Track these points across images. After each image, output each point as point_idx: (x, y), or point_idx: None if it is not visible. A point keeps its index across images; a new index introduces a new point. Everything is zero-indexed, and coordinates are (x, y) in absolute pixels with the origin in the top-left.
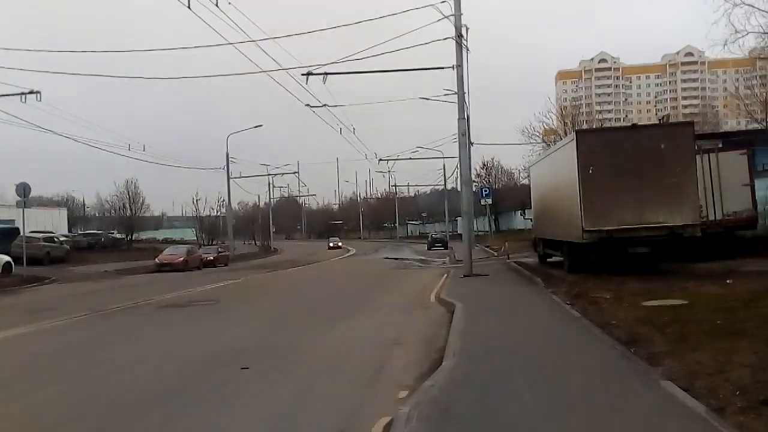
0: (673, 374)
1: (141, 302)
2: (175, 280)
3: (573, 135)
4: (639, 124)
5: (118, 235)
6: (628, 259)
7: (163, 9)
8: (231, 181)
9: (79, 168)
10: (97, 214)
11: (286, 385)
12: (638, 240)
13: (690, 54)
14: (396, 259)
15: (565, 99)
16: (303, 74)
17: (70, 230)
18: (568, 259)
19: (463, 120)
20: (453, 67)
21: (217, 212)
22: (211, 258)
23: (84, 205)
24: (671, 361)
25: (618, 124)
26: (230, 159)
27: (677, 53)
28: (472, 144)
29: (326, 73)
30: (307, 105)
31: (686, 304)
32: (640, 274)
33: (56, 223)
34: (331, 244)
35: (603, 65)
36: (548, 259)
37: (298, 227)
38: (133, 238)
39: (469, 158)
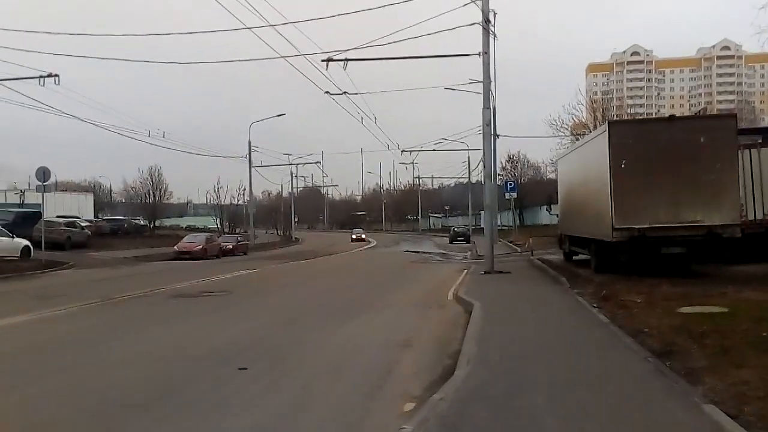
0: (717, 396)
1: (153, 291)
2: (191, 269)
3: (605, 126)
4: (677, 115)
5: (142, 222)
6: (661, 260)
7: None
8: (253, 170)
9: (107, 154)
10: (123, 201)
11: (282, 390)
12: (673, 240)
13: (726, 48)
14: (416, 252)
15: (596, 92)
16: (323, 60)
17: (96, 216)
18: (595, 258)
19: (488, 110)
20: (479, 54)
21: (238, 201)
22: (231, 247)
23: (111, 190)
24: (713, 379)
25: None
26: (252, 147)
27: (713, 47)
28: (497, 136)
29: (347, 59)
30: (327, 92)
31: (726, 312)
32: (674, 277)
33: (82, 209)
34: (354, 236)
35: (635, 58)
36: (574, 257)
37: (321, 217)
38: (156, 225)
39: (495, 151)
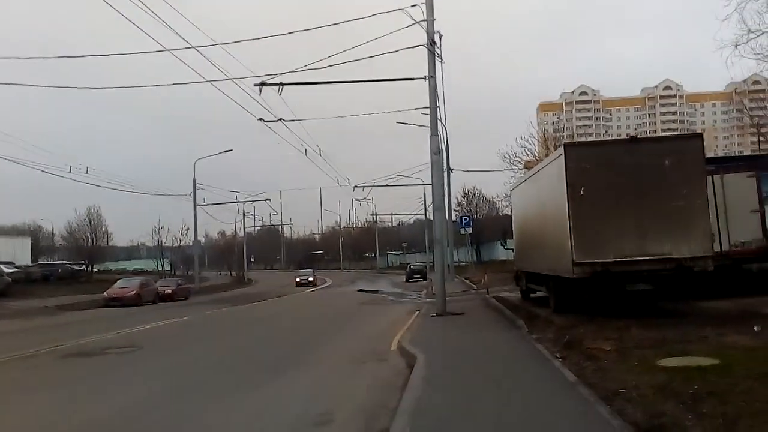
0: None
1: (48, 349)
2: (114, 318)
3: (560, 149)
4: (639, 136)
5: (78, 267)
6: (626, 297)
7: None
8: (200, 209)
9: (50, 197)
10: (66, 244)
11: None
12: (639, 275)
13: (668, 87)
14: (370, 291)
15: (547, 129)
16: (256, 84)
17: (36, 260)
18: (554, 297)
19: (436, 137)
20: (425, 78)
21: (180, 242)
22: (170, 291)
23: (53, 234)
24: None
25: (613, 137)
26: (198, 185)
27: (656, 86)
28: (451, 170)
29: (282, 84)
30: (261, 119)
31: (717, 364)
32: (643, 317)
33: (18, 253)
34: (299, 279)
35: (584, 98)
36: (532, 295)
37: (278, 257)
38: (97, 269)
39: (449, 185)
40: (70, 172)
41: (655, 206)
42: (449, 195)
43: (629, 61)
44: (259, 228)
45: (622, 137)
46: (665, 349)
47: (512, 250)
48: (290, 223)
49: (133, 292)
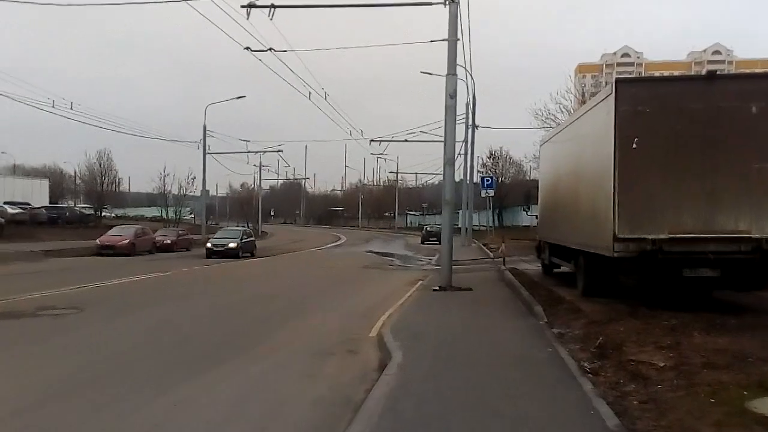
0: None
1: None
2: (95, 268)
3: (610, 87)
4: (718, 72)
5: (87, 211)
6: (682, 285)
7: None
8: (213, 160)
9: (69, 142)
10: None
11: None
12: (702, 258)
13: (717, 52)
14: (379, 253)
15: (585, 92)
16: (242, 6)
17: (56, 202)
18: (584, 278)
19: (454, 76)
20: (444, 3)
21: (186, 190)
22: (168, 241)
23: (76, 176)
24: None
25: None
26: (208, 133)
27: (704, 51)
28: (476, 127)
29: (273, 6)
30: (247, 48)
31: None
32: (701, 310)
33: (37, 195)
34: (209, 245)
35: (626, 60)
36: (555, 270)
37: (298, 212)
38: (114, 215)
39: (473, 142)
40: (53, 106)
41: (733, 168)
42: (473, 154)
43: (677, 23)
44: (282, 182)
45: (694, 74)
46: (751, 374)
47: (536, 216)
48: (308, 178)
49: (127, 241)
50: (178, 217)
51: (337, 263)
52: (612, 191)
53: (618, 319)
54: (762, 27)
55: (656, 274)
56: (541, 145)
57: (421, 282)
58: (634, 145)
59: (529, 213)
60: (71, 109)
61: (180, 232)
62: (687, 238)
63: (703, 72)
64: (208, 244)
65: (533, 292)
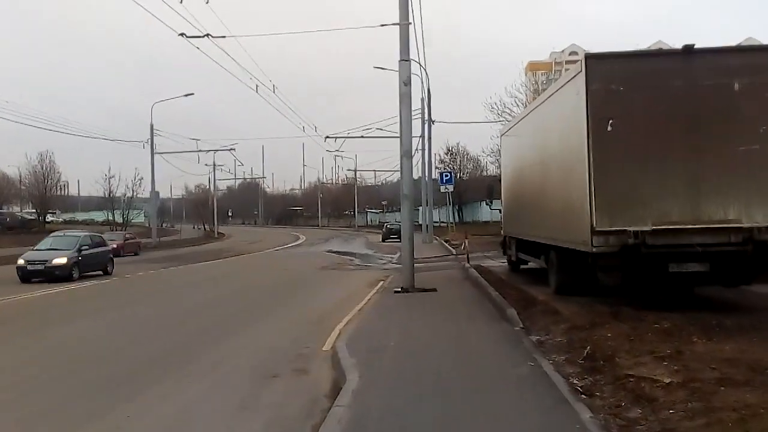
0: None
1: None
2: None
3: (579, 64)
4: (696, 46)
5: (29, 216)
6: (667, 280)
7: None
8: (161, 159)
9: (18, 144)
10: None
11: None
12: (689, 251)
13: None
14: (338, 252)
15: (536, 89)
16: None
17: (0, 207)
18: (557, 275)
19: (407, 62)
20: None
21: (133, 192)
22: (115, 246)
23: (21, 181)
24: None
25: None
26: (156, 131)
27: (648, 47)
28: (432, 122)
29: None
30: (182, 35)
31: None
32: (689, 308)
33: None
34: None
35: (574, 57)
36: (522, 267)
37: (256, 212)
38: (54, 219)
39: (430, 138)
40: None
41: (718, 151)
42: (430, 150)
43: (621, 21)
44: (239, 182)
45: (672, 48)
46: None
47: (499, 211)
48: (264, 177)
49: None
50: (125, 220)
51: (295, 264)
52: (587, 180)
53: (602, 322)
54: (704, 23)
55: (638, 270)
56: (501, 137)
57: (382, 283)
58: (609, 128)
59: (492, 207)
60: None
61: (127, 236)
62: (672, 229)
63: (680, 47)
64: (20, 261)
65: (503, 291)
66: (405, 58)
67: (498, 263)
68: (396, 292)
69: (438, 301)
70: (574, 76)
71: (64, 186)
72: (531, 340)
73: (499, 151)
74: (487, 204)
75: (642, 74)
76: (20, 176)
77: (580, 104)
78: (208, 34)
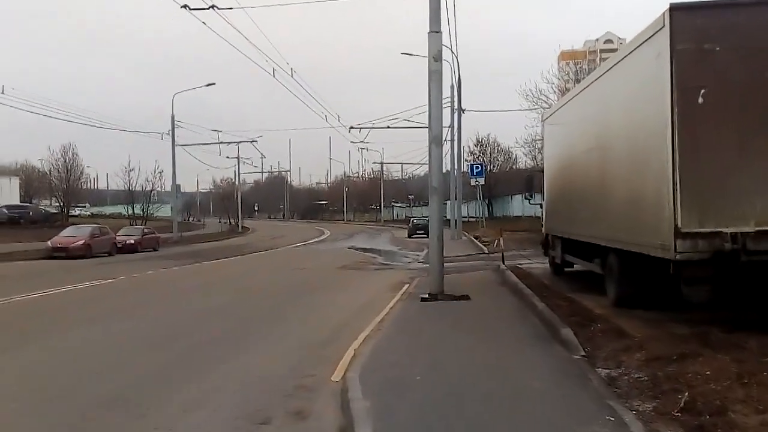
0: None
1: None
2: (32, 275)
3: (661, 17)
4: None
5: (53, 210)
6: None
7: None
8: (186, 153)
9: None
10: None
11: None
12: None
13: None
14: (362, 249)
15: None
16: None
17: (29, 201)
18: (619, 284)
19: (437, 34)
20: None
21: (153, 186)
22: (132, 241)
23: (51, 174)
24: None
25: None
26: (177, 123)
27: None
28: (463, 111)
29: None
30: (185, 7)
31: None
32: None
33: (6, 193)
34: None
35: (608, 46)
36: (567, 269)
37: (282, 206)
38: (81, 213)
39: (459, 128)
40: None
41: None
42: (459, 141)
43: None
44: (266, 176)
45: None
46: None
47: (540, 205)
48: (287, 170)
49: (81, 242)
50: (146, 214)
51: (311, 263)
52: (669, 167)
53: (692, 352)
54: None
55: (737, 284)
56: (543, 121)
57: (406, 286)
58: (701, 100)
59: (532, 202)
60: (2, 93)
61: (145, 230)
62: None
63: None
64: None
65: (549, 302)
66: (435, 29)
67: (536, 264)
68: (423, 299)
69: (472, 312)
70: (653, 34)
71: (94, 180)
72: (599, 375)
73: (535, 142)
74: (526, 198)
75: (743, 30)
76: (49, 170)
77: (662, 70)
78: (213, 6)
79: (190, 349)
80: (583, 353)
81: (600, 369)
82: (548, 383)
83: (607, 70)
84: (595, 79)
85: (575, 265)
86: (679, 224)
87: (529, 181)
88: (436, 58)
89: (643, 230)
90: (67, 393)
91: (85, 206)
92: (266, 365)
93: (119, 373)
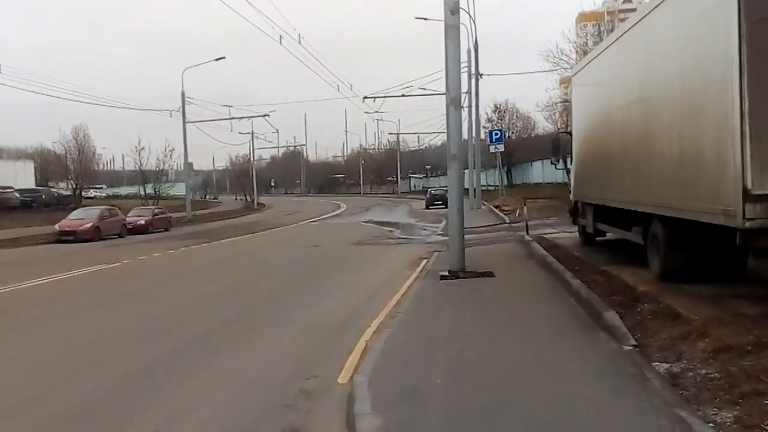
0: None
1: None
2: (34, 261)
3: None
4: None
5: (66, 192)
6: None
7: None
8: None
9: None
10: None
11: None
12: None
13: None
14: (379, 223)
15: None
16: None
17: (45, 184)
18: (667, 255)
19: None
20: None
21: (163, 164)
22: (143, 222)
23: (67, 157)
24: None
25: None
26: (187, 99)
27: None
28: (480, 76)
29: None
30: None
31: None
32: None
33: (21, 177)
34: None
35: (628, 5)
36: (598, 239)
37: (297, 181)
38: (96, 195)
39: (477, 94)
40: None
41: None
42: (477, 107)
43: None
44: (282, 152)
45: None
46: None
47: (567, 170)
48: (303, 144)
49: (89, 225)
50: (157, 193)
51: (330, 237)
52: (735, 116)
53: (751, 326)
54: None
55: None
56: (572, 77)
57: (425, 262)
58: None
59: (557, 166)
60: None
61: (156, 210)
62: None
63: None
64: None
65: (584, 277)
66: None
67: (563, 234)
68: (442, 277)
69: (499, 292)
70: None
71: (110, 161)
72: (659, 372)
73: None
74: (552, 163)
75: None
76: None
77: (726, 2)
78: None
79: (184, 342)
80: (633, 342)
81: (657, 364)
82: (601, 388)
83: (652, 10)
84: (636, 22)
85: (607, 234)
86: (749, 185)
87: (556, 145)
88: (452, 10)
89: (700, 194)
90: (28, 407)
91: (101, 187)
92: (267, 361)
93: (99, 373)
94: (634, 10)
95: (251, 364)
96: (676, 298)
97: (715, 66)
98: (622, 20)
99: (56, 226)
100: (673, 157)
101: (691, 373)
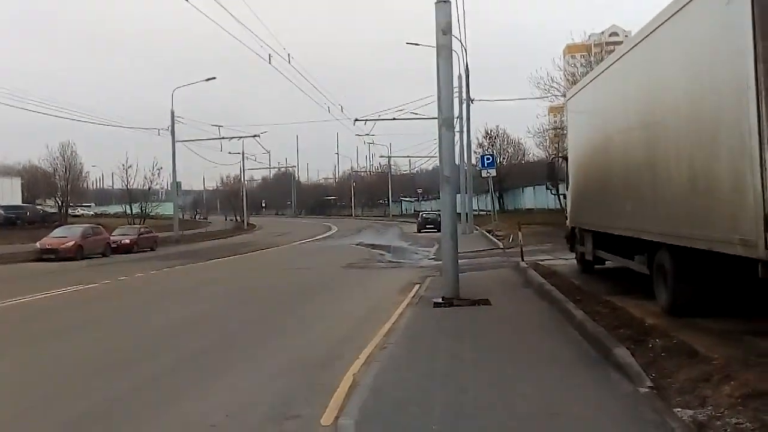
0: None
1: None
2: (7, 281)
3: None
4: None
5: (51, 210)
6: None
7: None
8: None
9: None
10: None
11: None
12: None
13: None
14: (370, 246)
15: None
16: None
17: (32, 201)
18: (677, 288)
19: (446, 3)
20: None
21: (151, 182)
22: (127, 241)
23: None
24: None
25: None
26: (177, 119)
27: None
28: (472, 101)
29: None
30: None
31: None
32: None
33: (8, 194)
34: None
35: (614, 38)
36: (597, 267)
37: (289, 203)
38: (84, 213)
39: (468, 119)
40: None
41: None
42: (469, 132)
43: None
44: (273, 173)
45: None
46: None
47: (563, 196)
48: (293, 166)
49: (71, 243)
50: (144, 212)
51: (319, 260)
52: (754, 138)
53: None
54: None
55: None
56: (568, 99)
57: (417, 287)
58: None
59: (553, 192)
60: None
61: (142, 230)
62: None
63: None
64: None
65: (587, 308)
66: None
67: (559, 260)
68: (436, 304)
69: (496, 323)
70: None
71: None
72: (683, 421)
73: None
74: (548, 189)
75: None
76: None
77: (738, 17)
78: None
79: (149, 377)
80: (650, 384)
81: (680, 410)
82: None
83: (654, 30)
84: (638, 43)
85: (607, 262)
86: None
87: (551, 170)
88: (444, 31)
89: (714, 221)
90: None
91: (90, 205)
92: (243, 398)
93: (52, 410)
94: (620, 43)
95: (225, 402)
96: (688, 334)
97: (729, 88)
98: (609, 52)
99: (37, 244)
100: (682, 183)
101: (719, 422)
